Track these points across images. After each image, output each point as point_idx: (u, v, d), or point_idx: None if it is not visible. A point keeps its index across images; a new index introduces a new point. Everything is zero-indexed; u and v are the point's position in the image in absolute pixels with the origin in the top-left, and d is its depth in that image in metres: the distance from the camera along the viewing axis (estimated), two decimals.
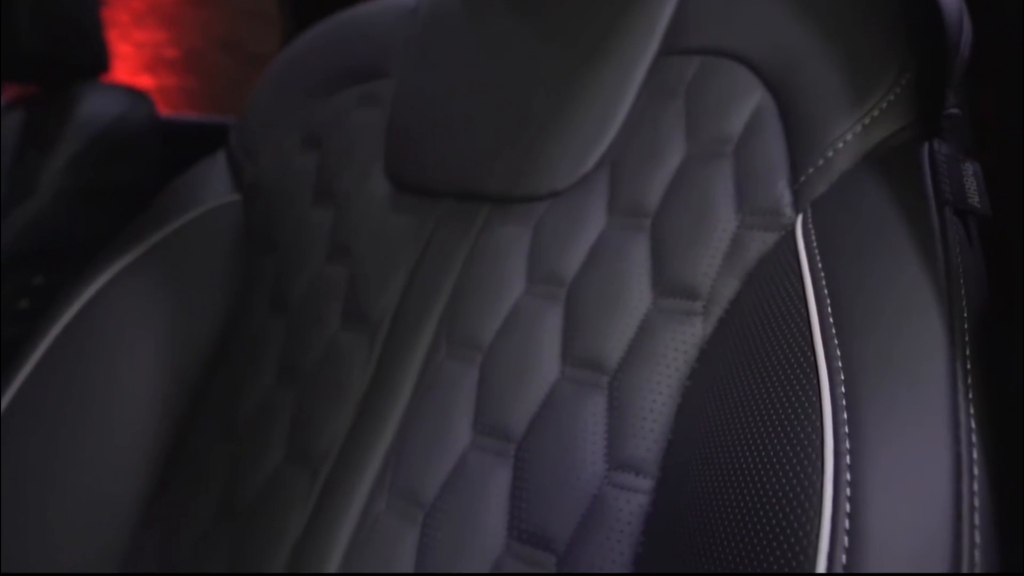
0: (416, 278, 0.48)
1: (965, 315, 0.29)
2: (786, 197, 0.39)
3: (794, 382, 0.30)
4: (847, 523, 0.26)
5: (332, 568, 0.42)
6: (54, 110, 0.87)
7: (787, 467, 0.28)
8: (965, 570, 0.24)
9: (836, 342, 0.30)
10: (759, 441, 0.30)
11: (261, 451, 0.48)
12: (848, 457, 0.27)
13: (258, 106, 0.62)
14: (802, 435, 0.28)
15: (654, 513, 0.36)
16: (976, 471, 0.26)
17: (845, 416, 0.28)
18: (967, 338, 0.29)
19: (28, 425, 0.52)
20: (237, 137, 0.62)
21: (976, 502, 0.25)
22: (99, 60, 0.94)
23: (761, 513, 0.28)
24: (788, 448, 0.29)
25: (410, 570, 0.40)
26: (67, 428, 0.51)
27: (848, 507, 0.26)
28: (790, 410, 0.30)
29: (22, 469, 0.51)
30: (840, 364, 0.29)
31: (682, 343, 0.39)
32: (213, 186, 0.60)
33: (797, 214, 0.38)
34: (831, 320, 0.31)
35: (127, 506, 0.51)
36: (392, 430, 0.44)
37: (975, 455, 0.26)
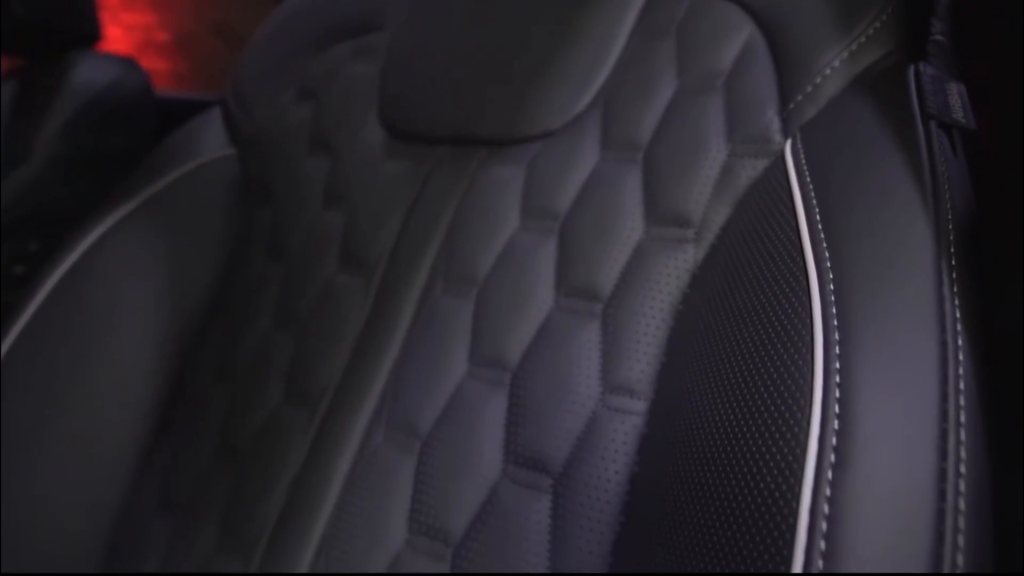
0: (411, 220, 0.49)
1: (950, 218, 0.30)
2: (775, 124, 0.39)
3: (784, 286, 0.31)
4: (837, 408, 0.26)
5: (331, 500, 0.42)
6: (48, 78, 0.87)
7: (778, 362, 0.29)
8: (951, 445, 0.24)
9: (825, 245, 0.31)
10: (751, 342, 0.31)
11: (259, 392, 0.48)
12: (837, 347, 0.28)
13: (252, 62, 0.62)
14: (792, 331, 0.29)
15: (649, 434, 0.36)
16: (961, 357, 0.27)
17: (834, 310, 0.29)
18: (952, 238, 0.29)
19: (27, 372, 0.52)
20: (232, 92, 0.62)
21: (961, 385, 0.26)
22: (92, 30, 0.94)
23: (754, 405, 0.29)
24: (779, 344, 0.29)
25: (407, 498, 0.40)
26: (66, 374, 0.52)
27: (838, 392, 0.26)
28: (780, 311, 0.30)
29: (21, 415, 0.51)
30: (829, 264, 0.30)
31: (675, 269, 0.39)
32: (208, 141, 0.60)
33: (786, 139, 0.39)
34: (820, 227, 0.32)
35: (126, 450, 0.51)
36: (389, 365, 0.45)
37: (960, 342, 0.27)
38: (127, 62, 0.94)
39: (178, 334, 0.54)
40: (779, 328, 0.30)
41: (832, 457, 0.25)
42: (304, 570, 0.42)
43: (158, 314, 0.54)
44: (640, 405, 0.37)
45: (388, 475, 0.41)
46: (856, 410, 0.26)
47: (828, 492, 0.25)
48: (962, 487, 0.24)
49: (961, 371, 0.26)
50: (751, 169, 0.39)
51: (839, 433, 0.26)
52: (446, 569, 0.37)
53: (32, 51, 0.94)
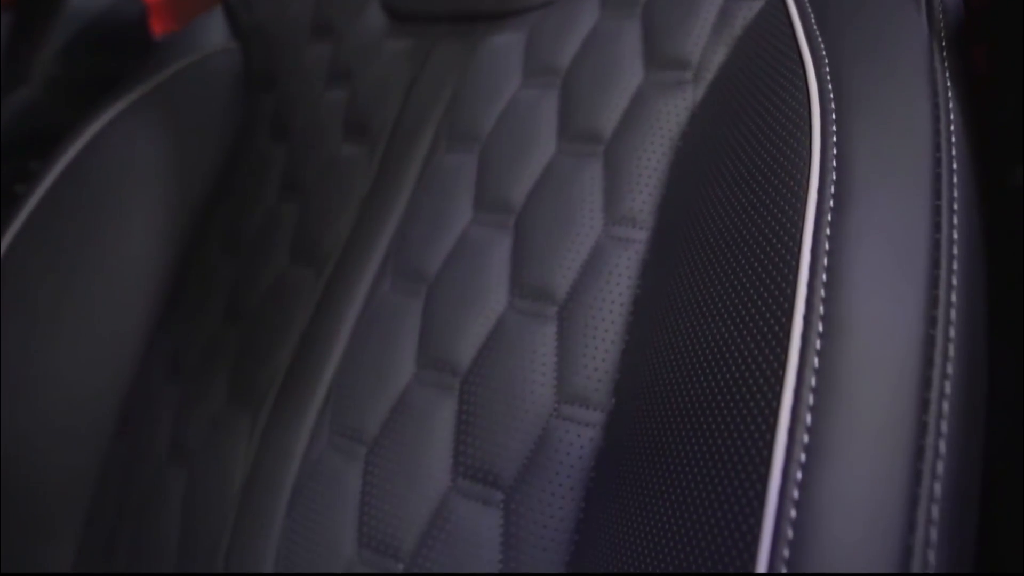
0: (413, 93, 0.50)
1: (942, 22, 0.31)
2: None
3: (784, 80, 0.32)
4: (834, 175, 0.27)
5: (339, 350, 0.43)
6: (46, 3, 0.87)
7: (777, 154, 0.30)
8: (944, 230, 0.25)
9: (821, 41, 0.32)
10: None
11: (266, 258, 0.49)
12: (834, 125, 0.29)
13: None
14: (791, 114, 0.30)
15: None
16: (952, 127, 0.28)
17: (831, 97, 0.30)
18: (943, 33, 0.30)
19: (38, 251, 0.53)
20: None
21: (954, 152, 0.27)
22: None
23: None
24: (778, 132, 0.30)
25: (415, 334, 0.41)
26: (75, 253, 0.52)
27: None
28: (781, 103, 0.31)
29: (33, 292, 0.52)
30: (824, 53, 0.31)
31: (674, 108, 0.40)
32: (210, 36, 0.61)
33: None
34: (816, 29, 0.33)
35: (135, 323, 0.52)
36: (395, 221, 0.45)
37: (952, 116, 0.28)
38: None
39: (184, 214, 0.55)
40: (779, 114, 0.31)
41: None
42: (312, 418, 0.42)
43: (164, 196, 0.55)
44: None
45: (395, 317, 0.42)
46: (853, 183, 0.27)
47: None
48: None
49: (954, 153, 0.26)
50: (747, 11, 0.40)
51: (836, 196, 0.27)
52: None
53: None
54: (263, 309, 0.47)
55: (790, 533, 0.22)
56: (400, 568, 0.37)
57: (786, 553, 0.22)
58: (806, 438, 0.23)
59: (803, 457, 0.23)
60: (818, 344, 0.24)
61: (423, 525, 0.37)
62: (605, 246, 0.39)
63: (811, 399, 0.23)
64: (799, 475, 0.23)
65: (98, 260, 0.52)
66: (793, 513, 0.22)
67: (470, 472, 0.37)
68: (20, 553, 0.52)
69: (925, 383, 0.23)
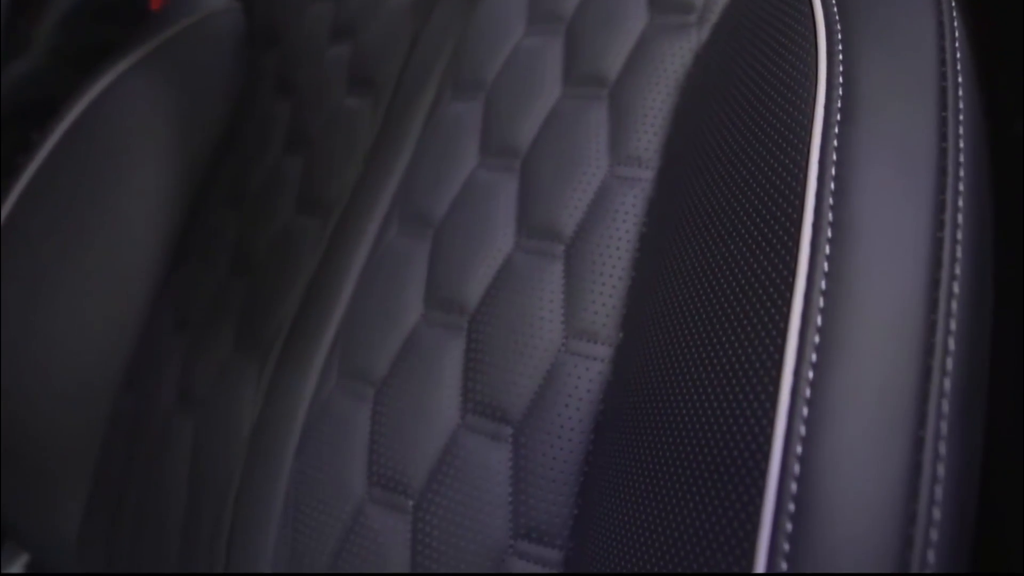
0: (418, 44, 0.50)
1: None
2: None
3: (789, 8, 0.32)
4: (841, 91, 0.27)
5: (346, 294, 0.44)
6: None
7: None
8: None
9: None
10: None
11: (272, 210, 0.49)
12: (840, 44, 0.29)
13: None
14: (797, 38, 0.30)
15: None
16: (957, 43, 0.28)
17: (837, 18, 0.30)
18: None
19: (40, 212, 0.53)
20: None
21: (959, 67, 0.27)
22: None
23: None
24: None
25: (422, 277, 0.41)
26: (82, 207, 0.53)
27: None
28: (786, 28, 0.32)
29: (42, 246, 0.52)
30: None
31: (679, 50, 0.40)
32: None
33: None
34: None
35: (142, 276, 0.52)
36: (402, 168, 0.46)
37: (956, 33, 0.28)
38: None
39: (188, 171, 0.55)
40: (784, 41, 0.31)
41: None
42: (320, 361, 0.43)
43: (168, 154, 0.55)
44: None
45: (402, 261, 0.42)
46: (859, 92, 0.27)
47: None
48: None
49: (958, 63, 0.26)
50: None
51: (842, 111, 0.27)
52: (410, 520, 0.37)
53: None
54: (269, 260, 0.47)
55: (802, 430, 0.22)
56: (410, 504, 0.37)
57: (799, 449, 0.22)
58: (817, 338, 0.23)
59: (815, 356, 0.23)
60: (827, 249, 0.24)
61: (433, 461, 0.37)
62: (611, 186, 0.39)
63: (821, 301, 0.24)
64: (811, 374, 0.23)
65: (102, 217, 0.52)
66: (805, 411, 0.23)
67: (479, 408, 0.37)
68: (30, 509, 0.52)
69: (934, 283, 0.23)
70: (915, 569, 0.21)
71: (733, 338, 0.27)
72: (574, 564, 0.33)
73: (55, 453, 0.52)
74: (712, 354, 0.27)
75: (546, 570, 0.34)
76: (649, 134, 0.39)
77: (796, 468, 0.22)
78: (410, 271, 0.42)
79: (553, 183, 0.40)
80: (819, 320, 0.23)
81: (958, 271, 0.23)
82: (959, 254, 0.24)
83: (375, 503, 0.38)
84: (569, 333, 0.36)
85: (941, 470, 0.21)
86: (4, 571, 0.55)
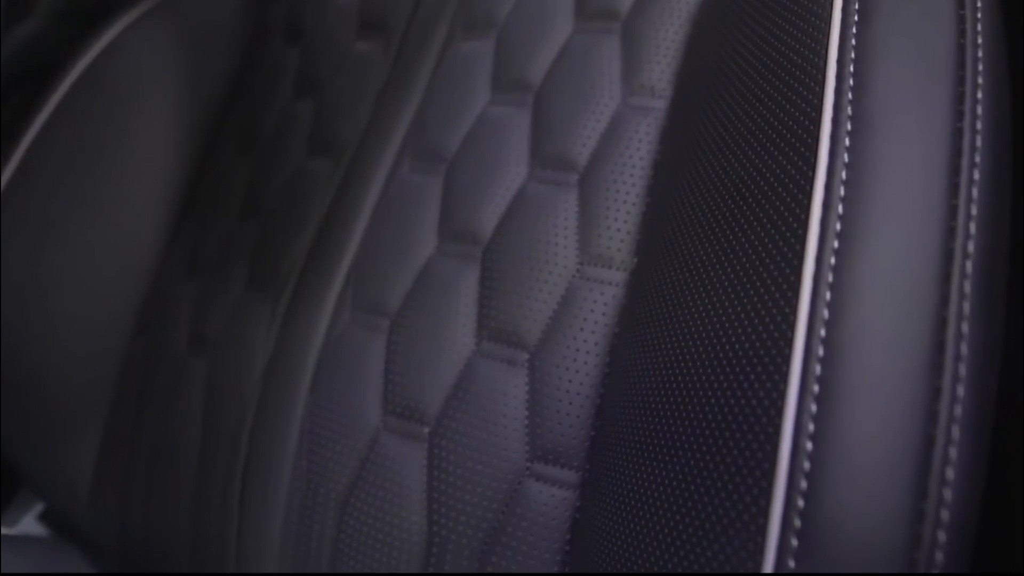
0: None
1: None
2: None
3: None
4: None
5: (359, 231, 0.44)
6: None
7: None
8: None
9: None
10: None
11: (282, 155, 0.49)
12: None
13: None
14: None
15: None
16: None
17: None
18: None
19: (50, 160, 0.53)
20: None
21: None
22: None
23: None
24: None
25: (436, 211, 0.41)
26: (89, 161, 0.53)
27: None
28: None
29: (53, 193, 0.52)
30: None
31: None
32: None
33: None
34: None
35: (154, 223, 0.53)
36: (414, 107, 0.46)
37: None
38: None
39: (199, 118, 0.55)
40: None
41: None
42: (334, 297, 0.43)
43: (178, 101, 0.55)
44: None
45: (415, 196, 0.42)
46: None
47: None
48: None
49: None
50: None
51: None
52: (425, 448, 0.37)
53: None
54: (281, 201, 0.47)
55: (826, 313, 0.23)
56: (426, 431, 0.37)
57: (823, 332, 0.22)
58: (839, 225, 0.23)
59: (836, 243, 0.23)
60: (847, 141, 0.24)
61: (448, 388, 0.37)
62: (624, 115, 0.39)
63: (843, 191, 0.24)
64: (833, 260, 0.23)
65: (113, 166, 0.52)
66: (828, 295, 0.23)
67: (494, 335, 0.37)
68: (43, 454, 0.53)
69: (954, 170, 0.23)
70: (940, 440, 0.21)
71: (753, 237, 0.27)
72: (590, 485, 0.33)
73: (68, 401, 0.52)
74: (731, 258, 0.28)
75: (563, 491, 0.34)
76: (662, 64, 0.39)
77: (820, 350, 0.22)
78: (423, 205, 0.42)
79: (566, 115, 0.40)
80: (840, 208, 0.24)
81: (978, 159, 0.24)
82: (979, 143, 0.24)
83: (390, 432, 0.38)
84: (584, 259, 0.37)
85: (964, 348, 0.22)
86: (18, 519, 0.56)
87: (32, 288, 0.51)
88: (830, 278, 0.23)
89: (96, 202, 0.52)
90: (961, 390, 0.21)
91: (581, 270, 0.36)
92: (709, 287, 0.29)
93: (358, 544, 0.38)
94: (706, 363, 0.27)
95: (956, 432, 0.21)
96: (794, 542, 0.21)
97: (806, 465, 0.22)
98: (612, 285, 0.36)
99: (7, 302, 0.52)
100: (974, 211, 0.23)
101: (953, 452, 0.21)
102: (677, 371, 0.29)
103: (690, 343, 0.28)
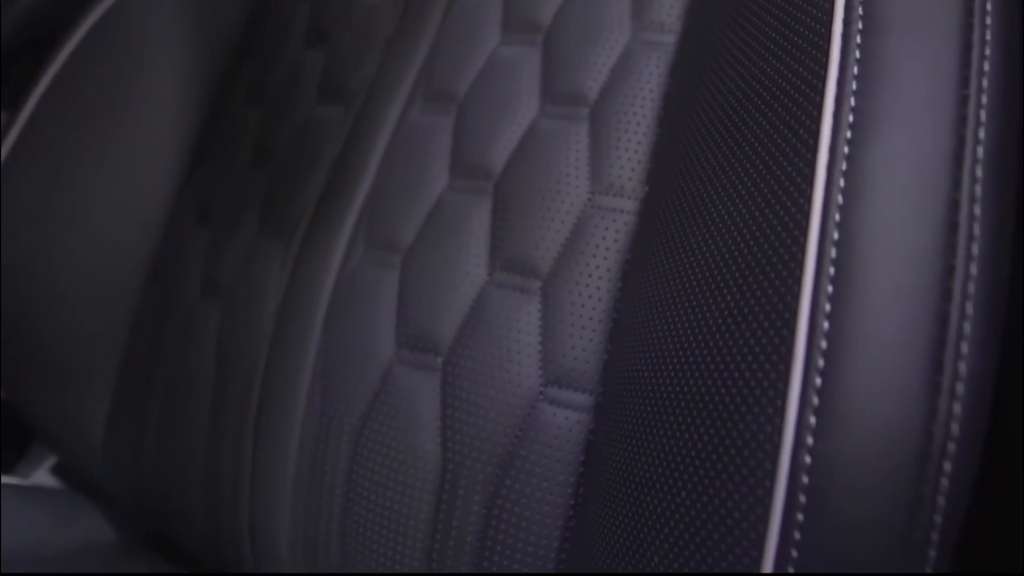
0: None
1: None
2: None
3: None
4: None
5: (370, 174, 0.44)
6: None
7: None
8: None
9: None
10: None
11: (292, 103, 0.50)
12: None
13: None
14: None
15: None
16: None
17: None
18: None
19: (61, 112, 0.53)
20: None
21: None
22: None
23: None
24: None
25: (446, 151, 0.42)
26: (100, 113, 0.53)
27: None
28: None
29: (58, 153, 0.52)
30: None
31: None
32: None
33: None
34: None
35: (164, 175, 0.53)
36: (424, 52, 0.46)
37: None
38: None
39: (209, 69, 0.55)
40: None
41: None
42: (346, 237, 0.43)
43: (187, 53, 0.55)
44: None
45: (427, 136, 0.43)
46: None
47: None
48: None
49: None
50: None
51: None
52: (438, 378, 0.37)
53: None
54: (292, 148, 0.48)
55: (840, 199, 0.23)
56: (439, 361, 0.37)
57: (838, 217, 0.23)
58: (851, 117, 0.24)
59: (850, 133, 0.24)
60: (859, 39, 0.25)
61: (461, 318, 0.38)
62: (635, 50, 0.39)
63: (855, 84, 0.24)
64: (847, 149, 0.23)
65: (123, 117, 0.53)
66: (842, 182, 0.23)
67: (507, 265, 0.37)
68: (56, 406, 0.53)
69: (965, 63, 0.24)
70: (954, 316, 0.21)
71: (765, 139, 0.27)
72: (604, 407, 0.34)
73: (81, 352, 0.52)
74: (743, 163, 0.28)
75: (577, 414, 0.34)
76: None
77: (835, 234, 0.23)
78: (434, 145, 0.42)
79: (576, 53, 0.40)
80: (853, 101, 0.24)
81: (988, 52, 0.24)
82: (989, 37, 0.24)
83: (404, 364, 0.38)
84: (595, 189, 0.37)
85: (976, 229, 0.22)
86: (31, 472, 0.56)
87: (44, 240, 0.52)
88: (844, 166, 0.23)
89: (107, 155, 0.53)
90: (974, 269, 0.22)
91: (593, 199, 0.37)
92: (723, 193, 0.29)
93: (372, 475, 0.38)
94: (721, 264, 0.27)
95: (970, 308, 0.21)
96: (812, 419, 0.22)
97: (823, 344, 0.22)
98: (624, 213, 0.36)
99: (19, 255, 0.52)
100: (984, 100, 0.23)
101: (967, 327, 0.21)
102: (692, 279, 0.29)
103: (704, 251, 0.29)
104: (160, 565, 0.49)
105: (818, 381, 0.22)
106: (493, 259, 0.38)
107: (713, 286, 0.27)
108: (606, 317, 0.35)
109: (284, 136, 0.49)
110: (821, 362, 0.22)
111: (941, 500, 0.21)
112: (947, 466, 0.21)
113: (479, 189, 0.40)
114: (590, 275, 0.35)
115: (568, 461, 0.34)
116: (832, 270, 0.22)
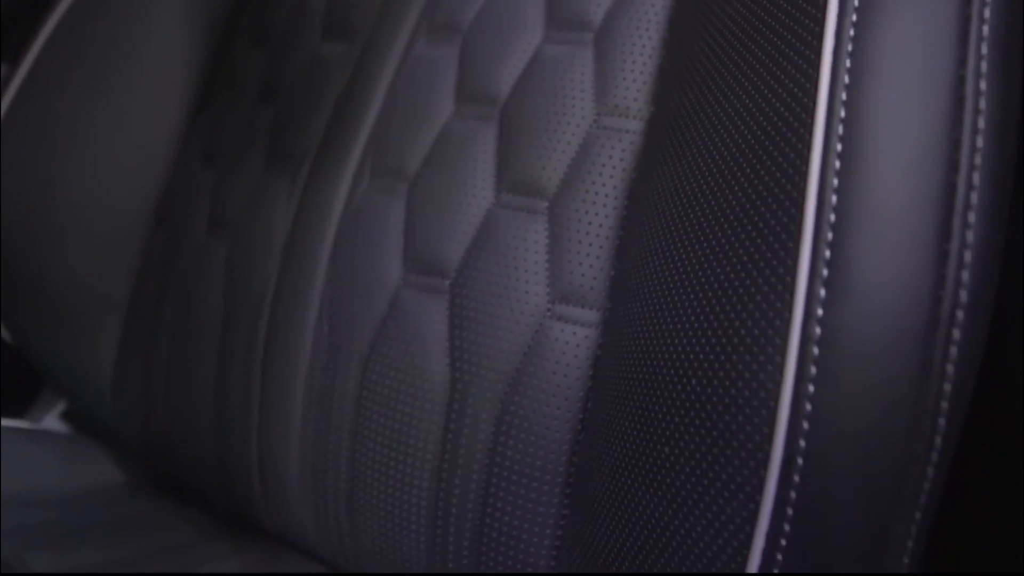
0: None
1: None
2: None
3: None
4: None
5: (376, 105, 0.44)
6: None
7: None
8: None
9: None
10: None
11: (296, 42, 0.50)
12: None
13: None
14: None
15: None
16: None
17: None
18: None
19: (65, 55, 0.53)
20: None
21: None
22: None
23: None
24: None
25: (452, 77, 0.42)
26: (103, 56, 0.53)
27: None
28: None
29: (62, 97, 0.52)
30: None
31: None
32: None
33: None
34: None
35: (169, 122, 0.53)
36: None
37: None
38: None
39: (212, 13, 0.55)
40: None
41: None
42: (352, 168, 0.43)
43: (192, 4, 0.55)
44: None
45: (431, 67, 0.43)
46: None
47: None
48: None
49: None
50: None
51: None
52: (446, 299, 0.38)
53: None
54: (297, 86, 0.48)
55: (847, 78, 0.23)
56: (447, 284, 0.38)
57: (843, 113, 0.23)
58: (857, 1, 0.24)
59: (855, 16, 0.24)
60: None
61: (468, 241, 0.38)
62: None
63: (848, 61, 0.24)
64: (852, 32, 0.24)
65: (127, 60, 0.53)
66: (848, 62, 0.23)
67: (513, 186, 0.38)
68: (64, 350, 0.53)
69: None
70: (961, 187, 0.22)
71: (773, 37, 0.27)
72: (612, 322, 0.34)
73: (88, 296, 0.53)
74: (751, 62, 0.28)
75: (585, 330, 0.35)
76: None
77: (842, 112, 0.23)
78: (440, 74, 0.42)
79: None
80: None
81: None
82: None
83: (411, 288, 0.39)
84: (600, 110, 0.37)
85: (983, 103, 0.22)
86: (40, 418, 0.56)
87: (49, 185, 0.52)
88: (850, 47, 0.24)
89: (111, 98, 0.53)
90: (981, 141, 0.22)
91: (598, 120, 0.37)
92: (729, 93, 0.29)
93: (381, 399, 0.39)
94: (728, 158, 0.27)
95: (976, 179, 0.22)
96: (822, 291, 0.22)
97: (832, 217, 0.22)
98: (630, 133, 0.36)
99: (24, 200, 0.52)
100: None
101: (974, 197, 0.22)
102: (698, 180, 0.29)
103: (711, 150, 0.29)
104: (168, 504, 0.49)
105: (827, 253, 0.22)
106: (499, 182, 0.38)
107: (721, 180, 0.28)
108: (613, 234, 0.35)
109: (289, 74, 0.49)
110: (830, 235, 0.22)
111: (950, 368, 0.21)
112: (956, 333, 0.21)
113: (485, 115, 0.40)
114: (596, 193, 0.36)
115: (577, 376, 0.34)
116: (839, 146, 0.23)
